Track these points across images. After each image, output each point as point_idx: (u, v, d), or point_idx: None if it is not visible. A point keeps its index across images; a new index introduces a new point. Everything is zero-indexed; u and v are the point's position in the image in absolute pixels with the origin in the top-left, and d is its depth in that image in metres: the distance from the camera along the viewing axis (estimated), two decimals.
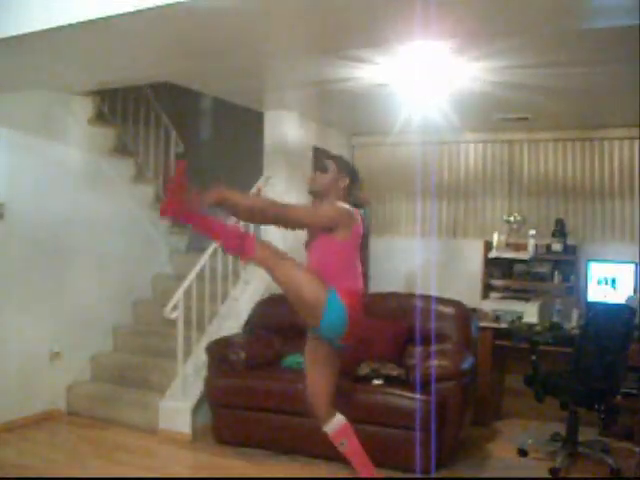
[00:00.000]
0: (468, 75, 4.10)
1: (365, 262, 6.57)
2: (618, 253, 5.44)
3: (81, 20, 2.64)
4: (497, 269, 5.71)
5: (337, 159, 3.23)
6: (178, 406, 4.49)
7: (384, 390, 3.93)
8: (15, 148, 4.51)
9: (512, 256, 5.53)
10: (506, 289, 5.70)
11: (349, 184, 3.14)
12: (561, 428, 4.12)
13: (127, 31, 2.82)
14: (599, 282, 5.23)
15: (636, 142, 5.50)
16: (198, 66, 3.83)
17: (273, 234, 5.52)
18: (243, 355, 4.36)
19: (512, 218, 5.64)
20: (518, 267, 5.61)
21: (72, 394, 4.94)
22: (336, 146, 6.38)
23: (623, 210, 5.58)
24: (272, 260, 2.92)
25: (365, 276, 6.47)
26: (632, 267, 5.13)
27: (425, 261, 5.95)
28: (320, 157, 3.30)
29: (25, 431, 4.46)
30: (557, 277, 5.51)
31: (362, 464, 3.13)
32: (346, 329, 2.92)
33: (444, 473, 3.78)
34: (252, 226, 4.71)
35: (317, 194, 3.14)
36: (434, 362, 3.90)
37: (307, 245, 3.17)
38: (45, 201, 4.71)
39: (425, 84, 4.30)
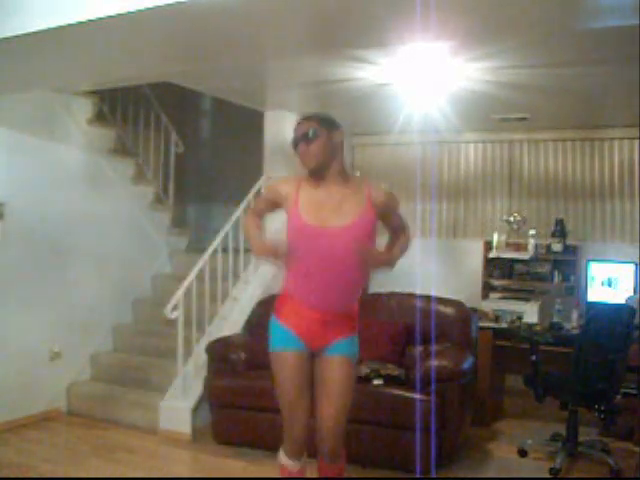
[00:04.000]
0: (468, 75, 4.10)
1: None
2: (618, 253, 5.45)
3: (81, 20, 2.64)
4: (497, 269, 5.72)
5: (316, 117, 2.64)
6: (178, 406, 4.49)
7: (384, 390, 3.92)
8: (15, 148, 4.50)
9: (512, 256, 5.53)
10: (506, 289, 5.70)
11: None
12: (561, 428, 4.12)
13: (127, 31, 2.82)
14: (601, 284, 5.23)
15: (636, 142, 5.51)
16: (198, 66, 3.83)
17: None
18: (243, 355, 4.36)
19: (512, 218, 5.65)
20: (518, 267, 5.62)
21: (72, 394, 4.94)
22: None
23: (623, 210, 5.59)
24: None
25: None
26: (632, 267, 5.13)
27: (425, 261, 5.95)
28: (299, 125, 2.64)
29: (25, 431, 4.46)
30: (557, 277, 5.51)
31: None
32: (271, 341, 2.69)
33: (444, 473, 3.77)
34: None
35: (318, 170, 2.59)
36: (434, 362, 3.90)
37: None
38: (45, 201, 4.71)
39: (425, 84, 4.30)
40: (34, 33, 2.79)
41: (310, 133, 2.57)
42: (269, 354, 2.70)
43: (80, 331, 5.05)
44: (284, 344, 2.64)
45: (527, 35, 3.24)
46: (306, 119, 2.65)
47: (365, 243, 2.56)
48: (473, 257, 5.98)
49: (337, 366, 2.65)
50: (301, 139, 2.59)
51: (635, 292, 5.02)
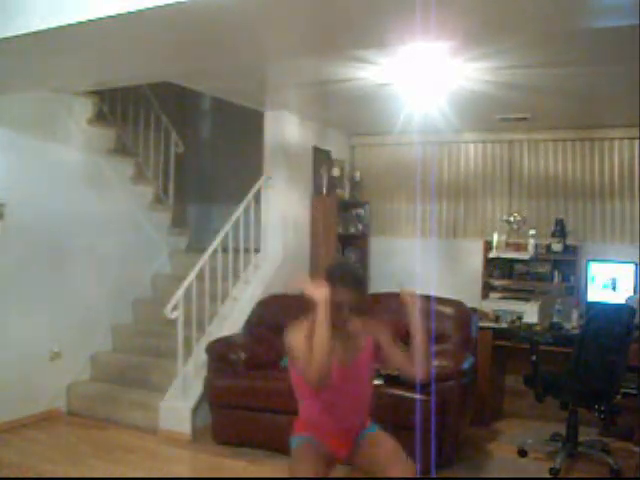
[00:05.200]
0: (467, 75, 4.10)
1: (365, 262, 6.58)
2: (618, 253, 5.45)
3: (81, 20, 2.64)
4: (497, 269, 5.71)
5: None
6: (178, 406, 4.49)
7: (384, 390, 3.92)
8: (15, 148, 4.51)
9: (512, 256, 5.53)
10: (506, 289, 5.70)
11: None
12: (561, 428, 4.12)
13: (127, 31, 2.81)
14: (603, 286, 5.22)
15: (636, 142, 5.51)
16: (198, 66, 3.83)
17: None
18: (243, 355, 4.36)
19: (512, 218, 5.64)
20: (518, 267, 5.62)
21: (72, 394, 4.94)
22: (336, 146, 6.39)
23: (623, 210, 5.59)
24: None
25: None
26: (632, 267, 5.13)
27: (425, 261, 5.95)
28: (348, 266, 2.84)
29: (25, 431, 4.46)
30: (557, 277, 5.51)
31: None
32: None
33: (444, 473, 3.77)
34: None
35: (344, 323, 2.68)
36: (434, 362, 3.89)
37: None
38: (45, 201, 4.71)
39: (425, 84, 4.30)
40: (34, 33, 2.79)
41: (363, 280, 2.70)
42: (292, 452, 2.67)
43: (80, 331, 5.05)
44: (305, 441, 2.65)
45: (527, 35, 3.24)
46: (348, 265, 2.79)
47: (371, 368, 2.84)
48: (473, 257, 5.98)
49: (376, 434, 2.79)
50: (354, 283, 2.62)
51: (635, 292, 5.02)
